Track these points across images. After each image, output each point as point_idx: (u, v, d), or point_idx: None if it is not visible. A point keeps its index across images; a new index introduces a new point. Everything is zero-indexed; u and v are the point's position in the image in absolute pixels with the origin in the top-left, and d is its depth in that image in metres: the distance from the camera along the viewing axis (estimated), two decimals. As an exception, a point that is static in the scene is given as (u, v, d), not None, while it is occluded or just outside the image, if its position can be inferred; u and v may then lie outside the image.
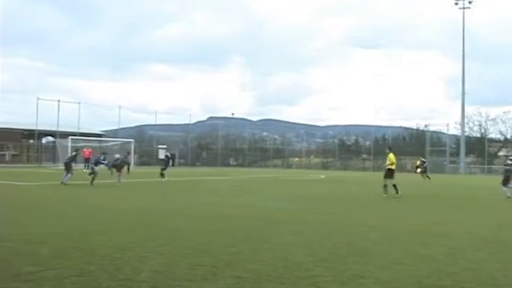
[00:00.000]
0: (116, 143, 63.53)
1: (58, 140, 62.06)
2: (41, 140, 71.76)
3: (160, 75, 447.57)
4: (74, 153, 31.29)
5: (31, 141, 70.72)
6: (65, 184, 26.21)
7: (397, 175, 24.11)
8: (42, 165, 61.89)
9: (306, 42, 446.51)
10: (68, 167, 27.66)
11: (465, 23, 75.77)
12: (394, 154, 24.04)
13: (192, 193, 21.51)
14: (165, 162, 36.09)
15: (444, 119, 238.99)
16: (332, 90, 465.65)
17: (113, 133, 75.49)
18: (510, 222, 15.21)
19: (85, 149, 49.45)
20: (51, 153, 68.89)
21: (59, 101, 63.64)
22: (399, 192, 22.73)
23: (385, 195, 22.62)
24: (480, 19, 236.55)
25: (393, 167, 23.62)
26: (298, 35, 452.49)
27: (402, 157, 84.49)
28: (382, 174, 25.45)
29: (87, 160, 46.27)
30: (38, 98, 62.37)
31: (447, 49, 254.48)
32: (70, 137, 57.73)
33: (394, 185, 23.14)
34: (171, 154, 73.55)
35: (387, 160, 23.92)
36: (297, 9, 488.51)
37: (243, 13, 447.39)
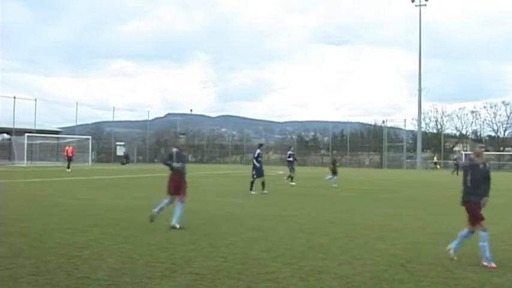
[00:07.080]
0: (73, 139, 62.65)
1: (14, 137, 60.94)
2: (-4, 137, 70.32)
3: (123, 71, 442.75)
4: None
5: (-14, 138, 69.13)
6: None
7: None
8: (-3, 163, 60.64)
9: (271, 39, 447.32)
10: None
11: (423, 21, 77.10)
12: None
13: (151, 190, 21.34)
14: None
15: (404, 115, 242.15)
16: (295, 87, 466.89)
17: (70, 130, 74.23)
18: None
19: (67, 147, 48.36)
20: (7, 150, 67.58)
21: (14, 97, 62.39)
22: None
23: None
24: (441, 17, 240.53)
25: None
26: (263, 31, 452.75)
27: (360, 153, 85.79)
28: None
29: (69, 158, 45.36)
30: (-7, 95, 61.09)
31: (409, 46, 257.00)
32: (26, 134, 56.90)
33: None
34: (126, 152, 73.46)
35: None
36: (262, 6, 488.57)
37: (208, 9, 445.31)
